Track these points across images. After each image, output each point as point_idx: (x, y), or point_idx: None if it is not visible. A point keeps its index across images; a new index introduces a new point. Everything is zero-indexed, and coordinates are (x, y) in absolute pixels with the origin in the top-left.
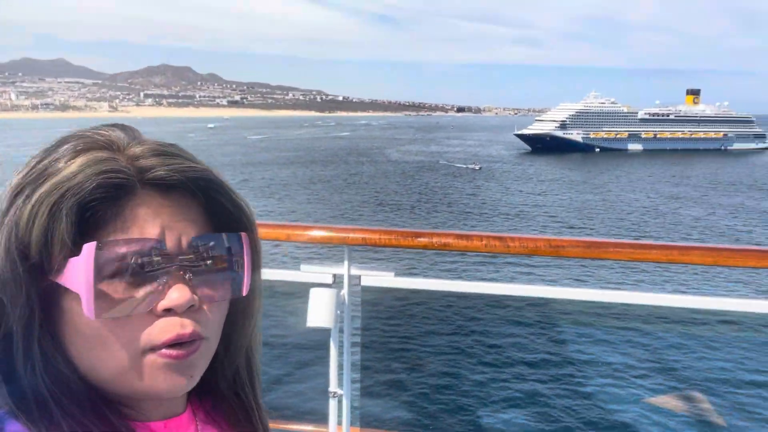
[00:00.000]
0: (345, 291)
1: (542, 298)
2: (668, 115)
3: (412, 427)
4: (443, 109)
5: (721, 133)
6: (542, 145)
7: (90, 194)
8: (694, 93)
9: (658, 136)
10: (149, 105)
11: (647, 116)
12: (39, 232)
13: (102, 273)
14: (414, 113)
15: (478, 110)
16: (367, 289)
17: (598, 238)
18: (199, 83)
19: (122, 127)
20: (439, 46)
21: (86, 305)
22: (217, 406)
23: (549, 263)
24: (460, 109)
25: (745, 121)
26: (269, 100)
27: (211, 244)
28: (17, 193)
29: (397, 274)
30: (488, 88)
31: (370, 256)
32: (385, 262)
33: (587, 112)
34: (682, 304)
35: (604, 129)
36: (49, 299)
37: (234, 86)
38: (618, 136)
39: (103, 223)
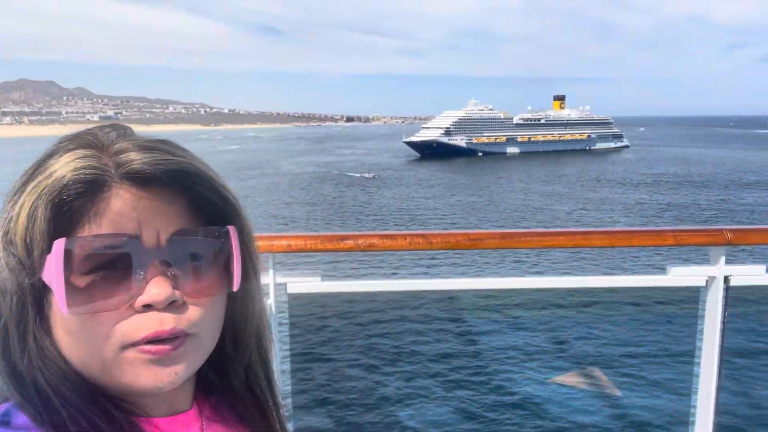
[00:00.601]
0: (272, 300)
1: (458, 290)
2: (539, 120)
3: None
4: (333, 119)
5: (585, 135)
6: (430, 152)
7: (64, 191)
8: (560, 99)
9: (532, 139)
10: (8, 124)
11: (522, 121)
12: (21, 230)
13: (73, 268)
14: (304, 124)
15: (367, 119)
16: (293, 296)
17: (511, 230)
18: (65, 98)
19: (116, 127)
20: (326, 56)
21: (58, 300)
22: (225, 403)
23: (444, 260)
24: (350, 119)
25: (605, 123)
26: (147, 115)
27: (195, 238)
28: (13, 195)
29: (323, 279)
30: (376, 98)
31: (291, 261)
32: (308, 267)
33: (469, 119)
34: (560, 285)
35: (485, 134)
36: (39, 296)
37: (106, 100)
38: (497, 140)
39: (79, 219)
